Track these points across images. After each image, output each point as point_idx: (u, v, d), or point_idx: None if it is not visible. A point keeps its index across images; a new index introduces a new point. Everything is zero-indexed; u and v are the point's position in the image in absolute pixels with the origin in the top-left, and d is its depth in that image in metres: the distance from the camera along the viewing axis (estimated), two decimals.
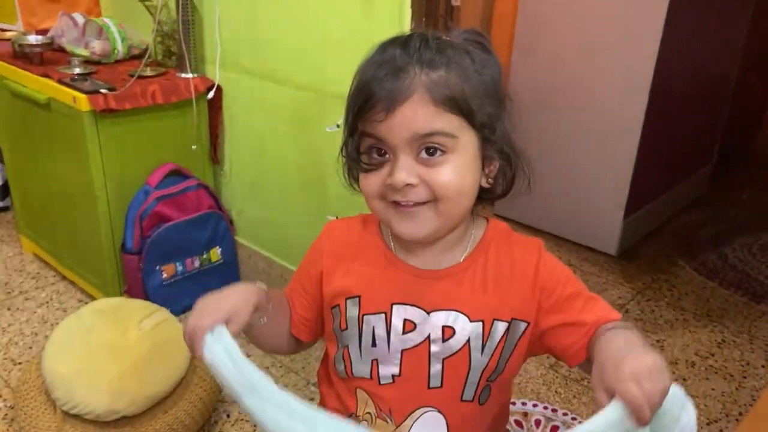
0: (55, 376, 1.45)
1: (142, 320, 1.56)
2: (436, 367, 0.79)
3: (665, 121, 2.43)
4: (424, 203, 0.74)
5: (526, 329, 0.81)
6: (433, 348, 0.79)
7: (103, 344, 1.49)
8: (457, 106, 0.72)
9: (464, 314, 0.79)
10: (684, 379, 1.85)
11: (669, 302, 2.23)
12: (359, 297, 0.82)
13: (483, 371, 0.80)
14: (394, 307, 0.80)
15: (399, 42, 0.75)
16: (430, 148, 0.72)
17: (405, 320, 0.80)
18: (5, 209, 2.57)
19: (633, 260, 2.49)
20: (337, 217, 1.75)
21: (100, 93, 1.72)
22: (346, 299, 0.83)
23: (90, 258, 1.97)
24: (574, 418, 1.68)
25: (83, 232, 1.94)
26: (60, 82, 1.78)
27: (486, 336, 0.79)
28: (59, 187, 1.97)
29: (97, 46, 1.99)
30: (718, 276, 2.41)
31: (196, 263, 2.00)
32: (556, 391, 1.78)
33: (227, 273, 2.09)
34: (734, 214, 2.92)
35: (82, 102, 1.70)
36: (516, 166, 0.78)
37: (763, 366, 1.92)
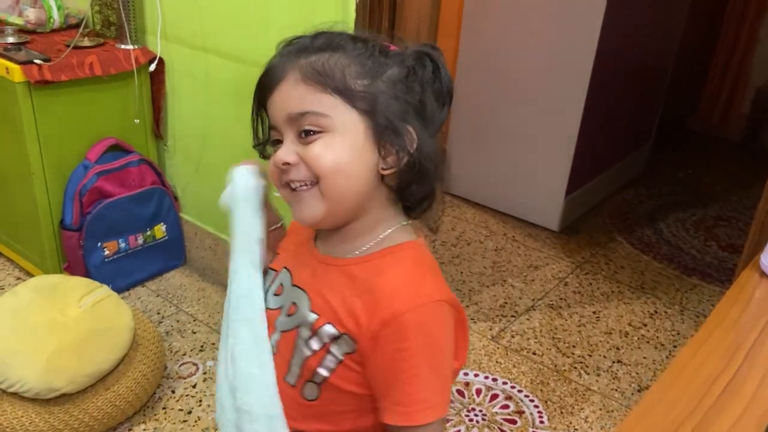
0: None
1: (81, 298, 1.54)
2: (275, 336, 0.80)
3: (605, 103, 2.50)
4: (309, 186, 0.74)
5: (355, 351, 0.75)
6: (279, 318, 0.81)
7: (41, 322, 1.46)
8: (330, 83, 0.72)
9: (309, 300, 0.78)
10: (617, 348, 1.93)
11: (606, 275, 2.32)
12: (277, 254, 0.88)
13: (304, 363, 0.77)
14: (283, 270, 0.84)
15: (293, 38, 0.77)
16: (306, 130, 0.72)
17: (280, 284, 0.83)
18: None
19: (573, 236, 2.57)
20: None
21: (35, 63, 1.66)
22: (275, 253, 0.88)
23: (27, 235, 1.92)
24: (513, 387, 1.74)
25: (20, 208, 1.88)
26: None
27: (313, 331, 0.77)
28: None
29: (31, 14, 1.91)
30: (653, 250, 2.51)
31: (140, 240, 1.97)
32: (497, 361, 1.84)
33: (172, 250, 2.07)
34: (669, 191, 3.05)
35: (16, 73, 1.64)
36: (420, 166, 0.74)
37: (692, 336, 2.03)
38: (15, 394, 1.41)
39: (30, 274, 1.99)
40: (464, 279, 2.21)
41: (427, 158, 0.74)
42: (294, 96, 0.72)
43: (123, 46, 1.85)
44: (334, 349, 0.75)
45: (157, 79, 1.92)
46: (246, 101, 1.79)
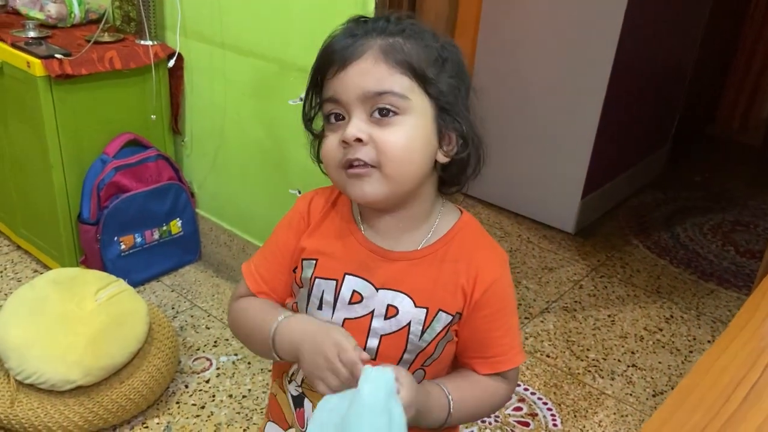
0: (8, 345, 1.43)
1: (98, 291, 1.55)
2: (373, 342, 0.80)
3: (624, 105, 2.48)
4: (370, 168, 0.74)
5: (456, 323, 0.82)
6: (375, 323, 0.80)
7: (58, 314, 1.47)
8: (411, 68, 0.73)
9: (410, 298, 0.80)
10: (633, 352, 1.92)
11: (621, 279, 2.30)
12: (316, 260, 0.83)
13: (419, 354, 0.81)
14: (347, 277, 0.81)
15: (361, 17, 0.78)
16: (382, 109, 0.73)
17: (354, 291, 0.81)
18: None
19: (589, 238, 2.55)
20: (299, 192, 1.75)
21: (55, 58, 1.68)
22: (303, 260, 0.84)
23: (45, 228, 1.93)
24: (526, 389, 1.73)
25: (38, 201, 1.90)
26: (13, 45, 1.73)
27: (427, 324, 0.80)
28: (13, 154, 1.92)
29: (52, 9, 1.93)
30: (669, 254, 2.49)
31: (156, 235, 1.98)
32: None
33: (188, 245, 2.08)
34: (687, 195, 3.02)
35: (37, 67, 1.65)
36: (472, 148, 0.78)
37: (709, 341, 2.01)
38: (31, 386, 1.42)
39: (47, 267, 2.00)
40: None
41: (476, 142, 0.79)
42: (374, 74, 0.72)
43: (142, 42, 1.86)
44: (450, 329, 0.81)
45: (175, 75, 1.93)
46: (264, 98, 1.81)
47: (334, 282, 0.81)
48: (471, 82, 0.81)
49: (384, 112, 0.73)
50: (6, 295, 1.89)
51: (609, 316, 2.08)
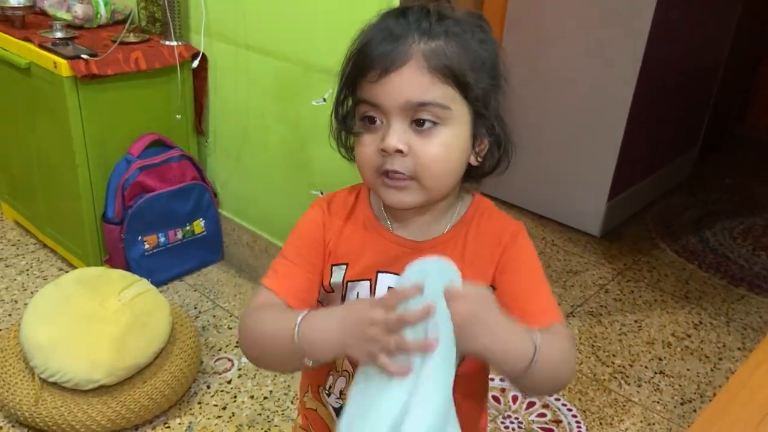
0: (33, 344, 1.44)
1: (122, 291, 1.55)
2: None
3: (652, 106, 2.43)
4: (408, 179, 0.74)
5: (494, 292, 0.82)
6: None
7: (82, 313, 1.48)
8: (453, 76, 0.72)
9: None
10: (660, 359, 1.88)
11: (648, 283, 2.25)
12: (346, 264, 0.82)
13: None
14: (379, 275, 0.81)
15: (398, 11, 0.76)
16: (421, 119, 0.72)
17: (389, 288, 0.81)
18: None
19: (615, 241, 2.51)
20: (322, 193, 1.74)
21: (82, 58, 1.69)
22: (332, 266, 0.83)
23: (70, 227, 1.95)
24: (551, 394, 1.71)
25: (64, 200, 1.91)
26: (41, 46, 1.75)
27: None
28: (40, 154, 1.94)
29: (79, 9, 1.94)
30: (698, 258, 2.43)
31: (179, 235, 1.98)
32: None
33: (211, 245, 2.08)
34: (716, 198, 2.95)
35: (63, 67, 1.66)
36: (505, 147, 0.79)
37: (739, 348, 1.96)
38: (55, 384, 1.43)
39: (72, 266, 2.02)
40: None
41: (506, 143, 0.78)
42: (418, 83, 0.71)
43: (167, 43, 1.86)
44: None
45: (199, 76, 1.93)
46: (287, 99, 1.80)
47: (368, 282, 0.82)
48: (503, 78, 0.79)
49: (425, 123, 0.72)
50: (32, 293, 1.91)
51: (635, 321, 2.04)
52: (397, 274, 0.80)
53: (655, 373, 1.82)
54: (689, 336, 1.99)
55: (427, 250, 0.82)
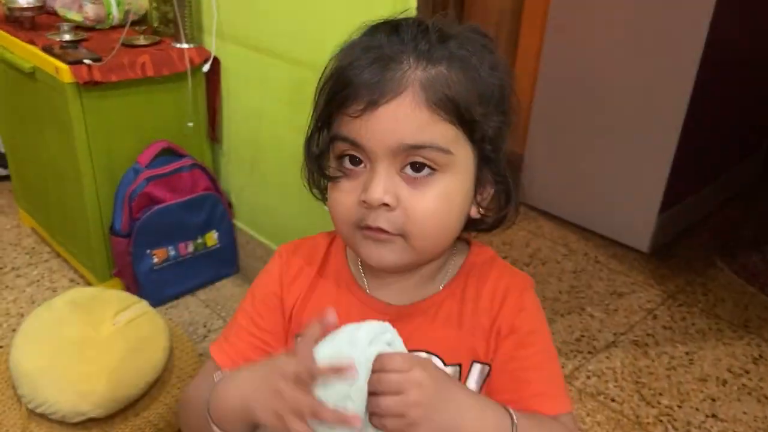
0: (20, 371, 1.35)
1: (117, 313, 1.45)
2: None
3: (712, 105, 2.20)
4: (393, 235, 0.61)
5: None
6: None
7: (73, 339, 1.39)
8: (458, 113, 0.58)
9: (438, 356, 0.68)
10: (713, 399, 1.67)
11: (703, 309, 2.03)
12: None
13: None
14: None
15: (391, 26, 0.62)
16: (417, 163, 0.58)
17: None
18: (8, 178, 2.49)
19: (666, 259, 2.28)
20: None
21: (84, 63, 1.59)
22: (297, 336, 0.69)
23: (79, 238, 1.87)
24: None
25: (71, 210, 1.84)
26: (44, 49, 1.66)
27: (464, 380, 0.68)
28: (48, 162, 1.86)
29: (90, 10, 1.85)
30: (760, 280, 2.19)
31: (190, 248, 1.88)
32: None
33: (224, 259, 1.97)
34: None
35: (64, 73, 1.57)
36: (513, 195, 0.65)
37: None
38: (42, 415, 1.34)
39: (83, 277, 1.95)
40: None
41: (514, 180, 0.65)
42: (412, 121, 0.57)
43: (178, 45, 1.75)
44: (484, 383, 0.70)
45: (212, 80, 1.82)
46: (299, 104, 1.64)
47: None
48: (514, 112, 0.64)
49: (419, 168, 0.58)
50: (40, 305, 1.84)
51: (687, 353, 1.83)
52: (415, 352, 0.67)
53: (707, 416, 1.62)
54: (747, 372, 1.77)
55: (416, 314, 0.68)
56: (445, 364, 0.67)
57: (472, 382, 0.68)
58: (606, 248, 2.32)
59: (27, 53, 1.70)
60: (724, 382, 1.73)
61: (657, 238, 2.30)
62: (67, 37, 1.74)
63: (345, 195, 0.62)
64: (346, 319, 0.67)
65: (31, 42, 1.71)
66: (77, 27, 1.82)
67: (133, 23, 1.92)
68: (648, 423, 1.59)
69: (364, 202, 0.59)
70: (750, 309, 2.04)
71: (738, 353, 1.84)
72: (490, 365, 0.68)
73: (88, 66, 1.59)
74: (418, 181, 0.58)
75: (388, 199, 0.58)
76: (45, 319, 1.44)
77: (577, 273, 2.15)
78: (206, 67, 1.75)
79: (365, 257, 0.64)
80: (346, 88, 0.59)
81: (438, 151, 0.58)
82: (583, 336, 1.87)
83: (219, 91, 1.83)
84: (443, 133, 0.58)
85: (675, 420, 1.60)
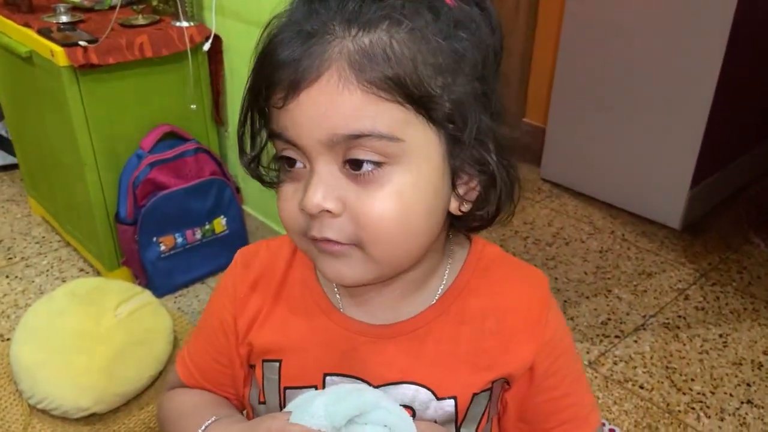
0: (21, 365, 1.31)
1: (119, 305, 1.40)
2: None
3: (744, 73, 2.06)
4: (348, 246, 0.50)
5: (510, 384, 0.59)
6: None
7: (73, 331, 1.34)
8: (404, 89, 0.46)
9: (428, 389, 0.57)
10: (748, 385, 1.57)
11: (737, 287, 1.92)
12: (279, 362, 0.60)
13: None
14: (328, 379, 0.58)
15: None
16: (359, 160, 0.47)
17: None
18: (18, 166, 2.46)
19: (699, 236, 2.17)
20: None
21: (79, 46, 1.53)
22: (263, 361, 0.61)
23: (86, 226, 1.83)
24: (612, 429, 1.44)
25: (76, 199, 1.79)
26: (40, 32, 1.60)
27: (462, 415, 0.57)
28: (50, 149, 1.81)
29: None
30: None
31: (198, 234, 1.82)
32: (594, 395, 1.53)
33: (234, 245, 1.87)
34: None
35: (60, 56, 1.51)
36: (505, 185, 0.52)
37: None
38: (44, 411, 1.30)
39: (92, 266, 1.91)
40: (559, 287, 1.90)
41: (508, 169, 0.51)
42: (343, 106, 0.46)
43: (178, 24, 1.68)
44: (493, 402, 0.60)
45: (215, 59, 1.74)
46: None
47: (313, 389, 0.58)
48: (502, 61, 0.52)
49: (361, 165, 0.47)
50: None
51: (720, 335, 1.73)
52: (354, 378, 0.57)
53: (742, 402, 1.52)
54: None
55: (401, 335, 0.57)
56: (437, 398, 0.56)
57: (478, 412, 0.58)
58: (634, 226, 2.21)
59: (23, 36, 1.65)
60: (760, 366, 1.63)
61: (689, 214, 2.18)
62: (63, 18, 1.68)
63: (288, 201, 0.52)
64: (317, 341, 0.59)
65: (27, 25, 1.65)
66: (75, 8, 1.77)
67: (132, 2, 1.85)
68: (679, 411, 1.49)
69: (303, 209, 0.50)
70: None
71: None
72: (497, 384, 0.59)
73: (84, 48, 1.53)
74: (364, 178, 0.47)
75: (329, 205, 0.48)
76: (45, 311, 1.39)
77: (603, 252, 2.05)
78: (207, 46, 1.68)
79: (323, 274, 0.54)
80: (266, 73, 0.49)
81: (381, 139, 0.46)
82: (609, 319, 1.77)
83: (222, 70, 1.76)
84: (387, 116, 0.46)
85: (708, 407, 1.50)
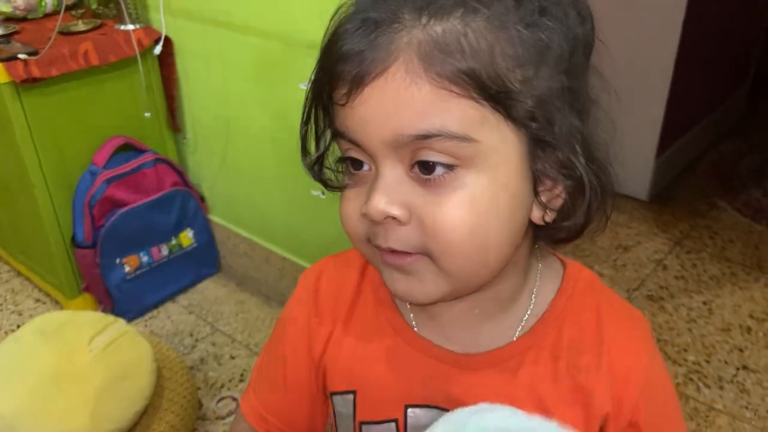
0: None
1: (92, 338, 1.29)
2: None
3: (702, 40, 2.08)
4: (416, 256, 0.44)
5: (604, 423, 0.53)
6: None
7: (47, 373, 1.23)
8: (479, 84, 0.40)
9: None
10: (740, 350, 1.58)
11: (712, 253, 1.94)
12: (354, 393, 0.53)
13: None
14: (410, 411, 0.52)
15: None
16: (429, 163, 0.42)
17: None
18: None
19: (667, 204, 2.19)
20: (323, 194, 1.45)
21: (18, 59, 1.39)
22: (332, 394, 0.55)
23: (39, 253, 1.69)
24: None
25: (27, 224, 1.65)
26: None
27: None
28: None
29: None
30: (766, 216, 2.11)
31: (164, 251, 1.71)
32: None
33: (204, 258, 1.81)
34: None
35: None
36: (597, 192, 0.47)
37: None
38: None
39: (49, 296, 1.77)
40: None
41: (599, 175, 0.47)
42: (410, 102, 0.40)
43: (122, 27, 1.56)
44: None
45: (166, 63, 1.63)
46: (269, 82, 1.46)
47: (393, 424, 0.52)
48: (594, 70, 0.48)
49: (431, 168, 0.42)
50: (6, 332, 1.67)
51: (704, 303, 1.74)
52: (436, 408, 0.51)
53: (738, 368, 1.53)
54: None
55: (489, 366, 0.51)
56: None
57: None
58: None
59: None
60: (749, 330, 1.65)
61: (655, 184, 2.20)
62: None
63: (349, 207, 0.47)
64: (394, 368, 0.52)
65: None
66: (7, 19, 1.62)
67: (69, 8, 1.71)
68: (678, 383, 1.49)
69: (365, 215, 0.44)
70: (761, 248, 1.96)
71: (757, 296, 1.76)
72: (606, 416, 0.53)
73: (24, 61, 1.40)
74: (432, 182, 0.42)
75: (394, 211, 0.43)
76: (12, 354, 1.27)
77: None
78: (158, 49, 1.56)
79: (391, 290, 0.48)
80: (330, 67, 0.44)
81: (452, 139, 0.41)
82: None
83: (175, 74, 1.65)
84: (459, 113, 0.41)
85: (705, 377, 1.51)
